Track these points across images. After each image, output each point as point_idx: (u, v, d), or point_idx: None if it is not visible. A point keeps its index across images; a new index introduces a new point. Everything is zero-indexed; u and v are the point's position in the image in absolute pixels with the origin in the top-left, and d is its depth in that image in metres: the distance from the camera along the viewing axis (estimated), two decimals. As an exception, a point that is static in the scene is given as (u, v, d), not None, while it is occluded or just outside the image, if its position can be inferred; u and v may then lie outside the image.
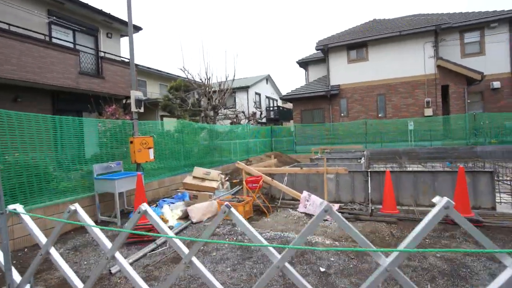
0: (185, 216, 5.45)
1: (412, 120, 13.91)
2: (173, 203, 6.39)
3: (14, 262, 4.02)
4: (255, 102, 24.06)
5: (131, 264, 3.64)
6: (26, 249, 4.49)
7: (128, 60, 12.14)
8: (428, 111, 14.15)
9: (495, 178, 5.42)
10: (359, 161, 7.87)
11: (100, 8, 10.88)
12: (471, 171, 5.41)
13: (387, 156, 12.71)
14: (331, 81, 16.17)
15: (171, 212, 5.65)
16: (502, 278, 1.28)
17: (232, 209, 1.65)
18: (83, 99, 10.41)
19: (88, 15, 10.91)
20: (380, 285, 2.83)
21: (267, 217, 5.32)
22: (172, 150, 8.52)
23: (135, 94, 6.45)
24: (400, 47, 14.67)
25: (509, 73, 14.52)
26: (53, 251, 2.01)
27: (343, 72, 15.83)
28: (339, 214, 1.53)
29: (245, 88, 25.53)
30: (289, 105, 30.81)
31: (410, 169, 6.92)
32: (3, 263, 1.99)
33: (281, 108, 29.30)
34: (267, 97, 29.96)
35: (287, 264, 1.56)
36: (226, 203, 1.73)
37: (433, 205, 1.52)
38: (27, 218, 2.02)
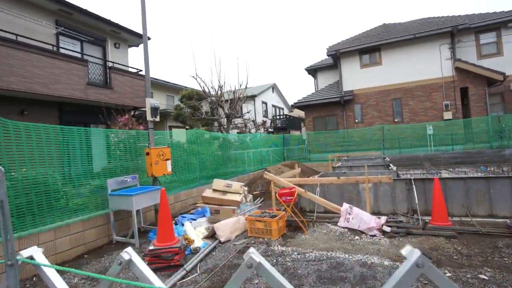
0: (212, 235, 4.86)
1: (431, 124, 13.34)
2: (194, 219, 5.81)
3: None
4: (265, 111, 23.66)
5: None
6: (34, 278, 3.90)
7: (136, 70, 11.79)
8: (448, 115, 13.58)
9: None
10: (390, 168, 7.27)
11: (108, 18, 10.60)
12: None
13: (408, 162, 12.08)
14: (344, 86, 15.72)
15: (195, 231, 5.06)
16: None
17: (263, 262, 1.15)
18: (90, 111, 9.98)
19: (96, 25, 10.62)
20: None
21: (305, 234, 4.71)
22: (186, 161, 7.98)
23: (151, 102, 5.97)
24: (414, 50, 14.24)
25: (529, 73, 13.98)
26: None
27: (356, 77, 15.38)
28: None
29: (251, 97, 25.19)
30: (295, 114, 30.41)
31: (455, 175, 6.29)
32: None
33: (288, 117, 28.88)
34: (273, 105, 29.62)
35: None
36: (251, 253, 1.20)
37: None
38: (50, 272, 1.38)
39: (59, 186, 4.62)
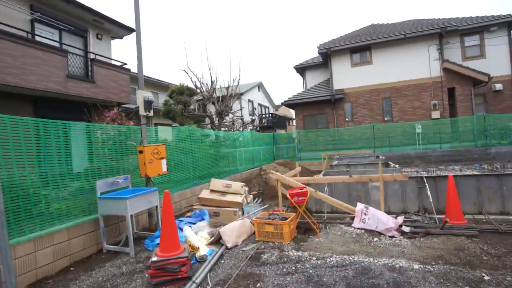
0: (217, 240, 4.41)
1: (419, 123, 13.51)
2: (193, 223, 5.32)
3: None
4: (254, 108, 23.28)
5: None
6: (12, 299, 3.28)
7: (121, 64, 11.03)
8: (436, 114, 13.82)
9: None
10: (391, 166, 7.11)
11: (90, 6, 9.79)
12: (543, 172, 4.74)
13: (399, 161, 12.11)
14: (335, 85, 15.64)
15: (197, 236, 4.59)
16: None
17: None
18: (68, 106, 9.15)
19: (76, 13, 9.77)
20: None
21: (319, 237, 4.37)
22: (179, 160, 7.43)
23: (144, 95, 5.42)
24: (404, 50, 14.40)
25: (510, 75, 14.54)
26: None
27: (347, 76, 15.35)
28: None
29: (234, 97, 24.68)
30: (281, 112, 30.25)
31: (470, 172, 6.19)
32: None
33: (274, 115, 28.65)
34: (259, 104, 29.29)
35: None
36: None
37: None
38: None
39: (39, 189, 3.99)
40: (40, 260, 3.73)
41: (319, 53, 16.10)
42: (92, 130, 5.03)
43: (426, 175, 5.26)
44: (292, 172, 6.51)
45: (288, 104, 16.57)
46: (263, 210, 5.52)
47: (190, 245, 4.12)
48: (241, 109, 16.08)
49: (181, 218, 5.60)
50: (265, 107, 31.02)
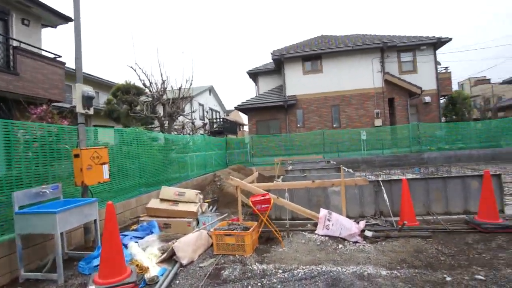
0: (169, 257, 3.85)
1: (364, 130, 14.46)
2: (140, 237, 4.65)
3: None
4: (206, 112, 22.54)
5: None
6: None
7: (54, 56, 9.59)
8: (378, 122, 14.96)
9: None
10: (348, 170, 7.29)
11: (12, -15, 8.32)
12: (478, 175, 5.22)
13: (348, 165, 12.73)
14: (287, 91, 15.94)
15: (145, 253, 3.97)
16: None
17: None
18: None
19: (-7, -9, 8.22)
20: None
21: (282, 246, 4.11)
22: (123, 166, 6.58)
23: (83, 89, 4.61)
24: (351, 61, 15.36)
25: (435, 89, 16.55)
26: None
27: (299, 83, 15.78)
28: None
29: (187, 99, 23.73)
30: (232, 117, 30.01)
31: (410, 176, 6.59)
32: None
33: (225, 120, 28.25)
34: (210, 108, 28.62)
35: None
36: None
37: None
38: None
39: None
40: None
41: (272, 59, 16.31)
42: (11, 128, 4.06)
43: (381, 179, 5.41)
44: (250, 178, 6.21)
45: (241, 108, 16.38)
46: (221, 220, 5.09)
47: (137, 265, 3.50)
48: (192, 112, 15.33)
49: (125, 232, 4.86)
50: (216, 111, 30.45)
